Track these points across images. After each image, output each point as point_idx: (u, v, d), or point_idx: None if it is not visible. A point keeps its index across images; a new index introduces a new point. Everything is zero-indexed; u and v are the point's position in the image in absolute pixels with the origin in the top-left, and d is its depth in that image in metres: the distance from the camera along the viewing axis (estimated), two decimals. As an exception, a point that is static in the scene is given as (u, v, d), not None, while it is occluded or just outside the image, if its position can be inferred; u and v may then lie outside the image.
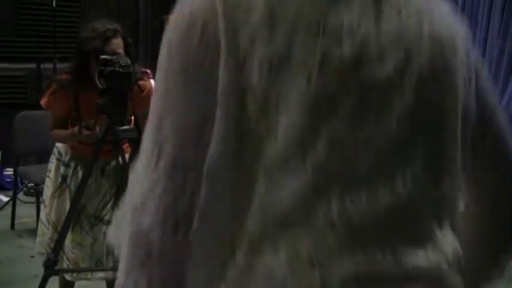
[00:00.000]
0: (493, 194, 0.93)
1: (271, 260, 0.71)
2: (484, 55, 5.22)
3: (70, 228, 2.56)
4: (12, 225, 4.35)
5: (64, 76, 2.56)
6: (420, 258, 0.75)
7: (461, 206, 0.86)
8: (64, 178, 2.66)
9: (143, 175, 0.75)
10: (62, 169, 2.66)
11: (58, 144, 2.72)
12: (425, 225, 0.77)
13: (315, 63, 0.70)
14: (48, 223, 2.66)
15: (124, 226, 0.76)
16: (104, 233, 2.65)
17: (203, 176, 0.73)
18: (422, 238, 0.76)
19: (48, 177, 2.74)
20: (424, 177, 0.76)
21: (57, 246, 2.39)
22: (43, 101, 2.60)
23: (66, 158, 2.67)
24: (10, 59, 5.58)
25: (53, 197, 2.67)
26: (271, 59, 0.71)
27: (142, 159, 0.76)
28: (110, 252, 2.65)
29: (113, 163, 2.63)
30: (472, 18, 5.33)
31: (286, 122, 0.71)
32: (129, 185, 0.77)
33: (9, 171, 5.24)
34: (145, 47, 6.51)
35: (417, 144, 0.76)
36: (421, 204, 0.76)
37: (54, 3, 5.56)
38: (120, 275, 0.76)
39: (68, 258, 2.61)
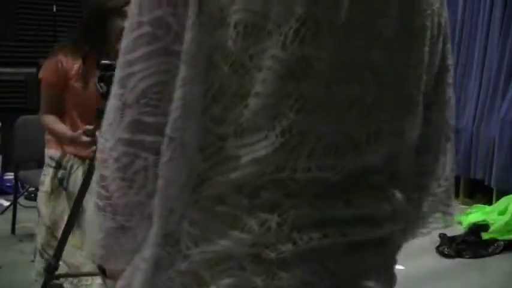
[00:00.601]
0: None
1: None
2: (484, 61, 5.22)
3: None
4: (13, 230, 4.34)
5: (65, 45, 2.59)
6: (378, 209, 0.78)
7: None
8: (60, 181, 2.65)
9: (108, 132, 0.76)
10: (59, 174, 2.65)
11: (51, 153, 2.67)
12: (381, 193, 0.80)
13: (292, 25, 0.69)
14: (50, 235, 2.63)
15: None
16: None
17: (165, 135, 0.71)
18: (380, 197, 0.79)
19: (42, 191, 2.68)
20: (391, 139, 0.78)
21: (58, 251, 2.39)
22: (40, 74, 2.60)
23: (63, 161, 2.65)
24: (10, 63, 5.59)
25: (47, 205, 2.65)
26: (248, 19, 0.69)
27: (109, 117, 0.76)
28: None
29: None
30: (472, 24, 5.33)
31: (259, 89, 0.70)
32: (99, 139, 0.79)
33: (9, 176, 5.24)
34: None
35: (385, 103, 0.77)
36: (377, 170, 0.78)
37: (54, 8, 5.57)
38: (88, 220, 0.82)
39: (68, 265, 2.60)
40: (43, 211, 2.67)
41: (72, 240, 2.60)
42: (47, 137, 2.72)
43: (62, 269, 2.60)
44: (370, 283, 0.78)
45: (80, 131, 2.52)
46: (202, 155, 0.73)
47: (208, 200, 0.73)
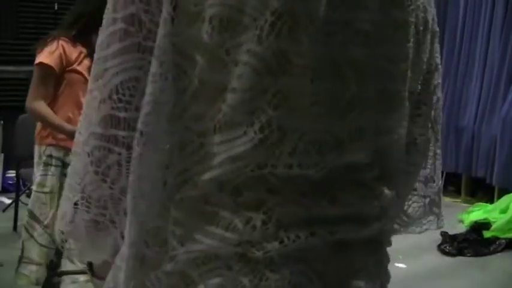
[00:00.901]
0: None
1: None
2: (485, 60, 5.22)
3: None
4: (15, 228, 4.35)
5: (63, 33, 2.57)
6: (365, 206, 0.77)
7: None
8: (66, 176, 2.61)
9: (82, 126, 0.77)
10: (65, 171, 2.62)
11: (50, 151, 2.59)
12: (369, 190, 0.78)
13: (267, 19, 0.67)
14: (53, 242, 2.50)
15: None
16: None
17: (136, 130, 0.71)
18: (368, 195, 0.78)
19: (44, 192, 2.58)
20: (376, 136, 0.77)
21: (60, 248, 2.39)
22: (41, 57, 2.53)
23: (66, 159, 2.57)
24: (11, 61, 5.59)
25: (52, 206, 2.56)
26: (223, 13, 0.68)
27: (84, 111, 0.77)
28: None
29: None
30: (474, 23, 5.33)
31: (236, 84, 0.69)
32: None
33: (11, 174, 5.25)
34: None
35: (368, 100, 0.75)
36: (363, 168, 0.76)
37: (55, 6, 5.57)
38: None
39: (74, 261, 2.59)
40: (46, 212, 2.57)
41: None
42: (42, 132, 2.62)
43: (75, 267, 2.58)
44: (361, 283, 0.76)
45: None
46: (183, 153, 0.72)
47: (192, 200, 0.72)
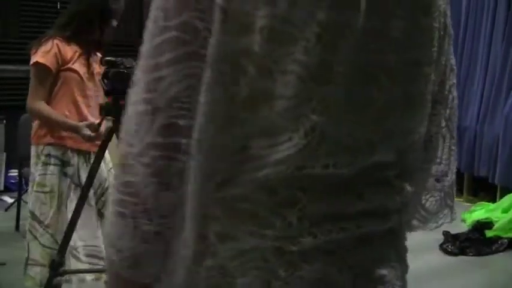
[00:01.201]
0: None
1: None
2: (488, 59, 5.21)
3: (97, 225, 2.57)
4: (17, 227, 4.36)
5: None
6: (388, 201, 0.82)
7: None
8: (71, 178, 2.60)
9: (134, 137, 0.76)
10: (68, 171, 2.60)
11: (48, 151, 2.58)
12: (391, 186, 0.82)
13: (314, 30, 0.71)
14: (56, 242, 2.52)
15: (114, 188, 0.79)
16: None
17: (193, 138, 0.73)
18: (390, 191, 0.82)
19: (44, 192, 2.56)
20: (400, 137, 0.81)
21: (63, 247, 2.39)
22: (37, 57, 2.55)
23: (65, 158, 2.59)
24: (14, 60, 5.60)
25: (52, 205, 2.57)
26: (272, 24, 0.70)
27: (133, 122, 0.76)
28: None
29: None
30: (476, 22, 5.32)
31: (283, 91, 0.72)
32: (120, 148, 0.78)
33: (14, 173, 5.26)
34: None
35: (396, 103, 0.79)
36: (387, 166, 0.80)
37: (58, 5, 5.58)
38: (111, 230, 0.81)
39: (103, 258, 2.55)
40: (46, 212, 2.56)
41: (100, 232, 2.59)
42: (39, 131, 2.61)
43: (100, 265, 2.57)
44: (384, 271, 0.81)
45: (84, 123, 2.51)
46: (227, 155, 0.75)
47: (232, 199, 0.75)
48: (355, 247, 0.78)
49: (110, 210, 0.80)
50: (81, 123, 2.50)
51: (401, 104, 0.80)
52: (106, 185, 2.68)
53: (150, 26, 0.76)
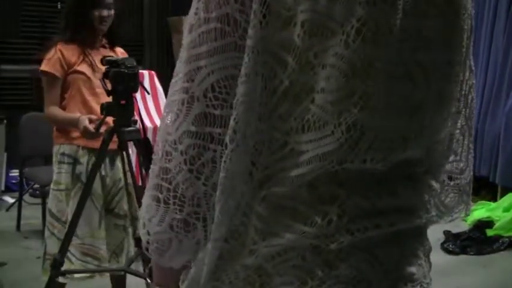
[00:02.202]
0: None
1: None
2: (488, 58, 5.21)
3: (97, 226, 2.58)
4: (18, 227, 4.36)
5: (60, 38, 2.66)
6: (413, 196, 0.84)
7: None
8: (78, 176, 2.61)
9: (171, 126, 0.78)
10: (76, 169, 2.62)
11: (63, 150, 2.63)
12: (420, 183, 0.85)
13: (354, 25, 0.72)
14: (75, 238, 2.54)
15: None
16: (115, 224, 2.67)
17: (229, 128, 0.74)
18: (419, 187, 0.85)
19: (59, 190, 2.62)
20: (430, 134, 0.83)
21: (63, 247, 2.39)
22: (42, 66, 2.64)
23: (78, 156, 2.62)
24: (15, 60, 5.61)
25: (68, 202, 2.60)
26: (313, 18, 0.72)
27: (171, 110, 0.78)
28: (120, 246, 2.68)
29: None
30: (478, 20, 5.31)
31: (324, 85, 0.73)
32: (158, 137, 0.81)
33: (15, 173, 5.26)
34: (150, 49, 6.52)
35: (430, 101, 0.81)
36: (416, 163, 0.82)
37: (58, 5, 5.58)
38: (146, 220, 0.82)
39: (96, 258, 2.59)
40: (63, 210, 2.60)
41: (100, 233, 2.60)
42: (56, 132, 2.69)
43: (91, 263, 2.59)
44: (413, 269, 0.82)
45: (85, 116, 2.50)
46: (268, 151, 0.76)
47: (275, 195, 0.76)
48: (387, 244, 0.79)
49: (146, 194, 0.82)
50: (82, 116, 2.50)
51: (435, 101, 0.82)
52: (120, 186, 2.67)
53: (191, 17, 0.78)
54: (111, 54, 2.65)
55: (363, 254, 0.77)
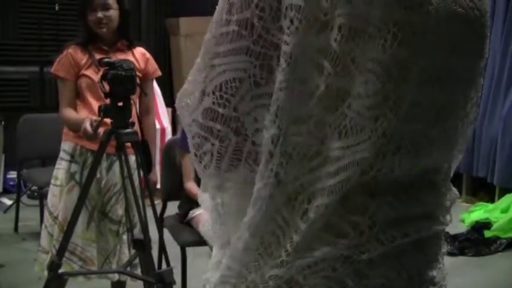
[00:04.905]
0: None
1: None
2: (486, 59, 5.21)
3: (85, 227, 2.57)
4: (16, 228, 4.36)
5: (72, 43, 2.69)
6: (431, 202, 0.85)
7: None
8: (72, 175, 2.63)
9: (188, 110, 0.83)
10: (71, 167, 2.64)
11: (65, 147, 2.68)
12: (440, 190, 0.86)
13: (390, 29, 0.72)
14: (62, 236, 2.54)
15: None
16: (109, 229, 2.66)
17: (269, 133, 0.76)
18: (440, 194, 0.86)
19: (56, 185, 2.66)
20: (450, 139, 0.84)
21: (61, 249, 2.39)
22: (53, 68, 2.67)
23: (75, 154, 2.64)
24: (13, 62, 5.60)
25: (61, 198, 2.63)
26: (351, 22, 0.72)
27: (191, 97, 0.83)
28: (114, 252, 2.67)
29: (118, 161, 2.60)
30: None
31: (361, 90, 0.73)
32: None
33: (12, 175, 5.26)
34: (147, 50, 6.51)
35: (453, 106, 0.82)
36: (436, 169, 0.84)
37: (56, 7, 5.58)
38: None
39: (81, 259, 2.60)
40: (56, 204, 2.64)
41: (86, 234, 2.61)
42: (64, 130, 2.72)
43: (76, 263, 2.60)
44: (434, 273, 0.84)
45: (88, 118, 2.49)
46: (301, 159, 0.76)
47: (315, 209, 0.76)
48: (411, 250, 0.80)
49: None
50: (86, 118, 2.49)
51: (457, 106, 0.82)
52: (115, 190, 2.67)
53: (216, 14, 0.80)
54: (129, 57, 2.62)
55: (391, 262, 0.78)
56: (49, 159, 3.99)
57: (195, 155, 0.83)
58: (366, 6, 0.72)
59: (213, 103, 0.78)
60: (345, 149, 0.74)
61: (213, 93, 0.78)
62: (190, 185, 2.85)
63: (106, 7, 2.60)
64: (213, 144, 0.80)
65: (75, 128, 2.57)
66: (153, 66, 2.80)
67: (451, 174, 0.94)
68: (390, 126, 0.74)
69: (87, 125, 2.43)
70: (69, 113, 2.62)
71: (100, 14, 2.59)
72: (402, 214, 0.78)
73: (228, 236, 0.85)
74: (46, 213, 2.70)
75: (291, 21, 0.73)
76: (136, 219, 2.53)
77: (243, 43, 0.76)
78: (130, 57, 2.63)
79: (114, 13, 2.62)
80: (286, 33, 0.73)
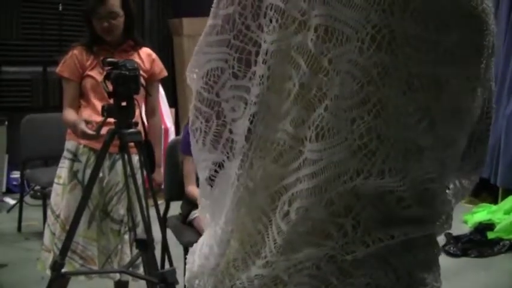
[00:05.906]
0: None
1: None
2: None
3: (87, 226, 2.58)
4: (19, 228, 4.36)
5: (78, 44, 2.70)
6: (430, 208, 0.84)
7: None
8: (74, 173, 2.64)
9: (193, 83, 0.86)
10: (74, 166, 2.64)
11: (68, 146, 2.69)
12: (435, 195, 0.85)
13: (368, 31, 0.72)
14: (65, 232, 2.55)
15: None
16: (111, 229, 2.67)
17: (245, 127, 0.78)
18: (435, 198, 0.86)
19: (58, 184, 2.68)
20: (446, 147, 0.83)
21: (64, 248, 2.39)
22: (58, 69, 2.68)
23: (78, 153, 2.65)
24: (16, 62, 5.61)
25: (63, 197, 2.64)
26: (327, 23, 0.72)
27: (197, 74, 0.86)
28: (115, 251, 2.67)
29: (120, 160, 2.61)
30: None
31: (338, 92, 0.73)
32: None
33: (16, 175, 5.26)
34: (151, 50, 6.51)
35: (446, 114, 0.81)
36: (435, 174, 0.82)
37: (60, 7, 5.59)
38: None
39: (82, 258, 2.61)
40: (58, 203, 2.65)
41: (88, 233, 2.61)
42: (68, 129, 2.72)
43: (77, 262, 2.61)
44: (425, 274, 0.84)
45: (81, 119, 2.51)
46: (282, 160, 0.77)
47: (296, 211, 0.76)
48: (400, 251, 0.80)
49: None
50: (77, 120, 2.52)
51: (450, 114, 0.82)
52: (117, 189, 2.67)
53: (213, 6, 0.85)
54: (134, 58, 2.63)
55: (377, 261, 0.79)
56: (52, 159, 3.99)
57: (191, 130, 0.88)
58: (344, 8, 0.72)
59: (201, 87, 0.84)
60: (322, 151, 0.74)
61: (202, 78, 0.84)
62: (191, 189, 2.85)
63: (113, 16, 2.60)
64: (201, 123, 0.85)
65: (72, 129, 2.59)
66: (159, 67, 2.80)
67: (470, 186, 0.96)
68: (370, 129, 0.73)
69: (84, 127, 2.44)
70: (67, 114, 2.63)
71: (107, 23, 2.59)
72: (388, 216, 0.78)
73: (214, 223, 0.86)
74: (49, 212, 2.72)
75: (270, 20, 0.75)
76: (139, 218, 2.53)
77: (226, 36, 0.81)
78: (135, 58, 2.63)
79: (121, 19, 2.63)
80: (265, 32, 0.76)
